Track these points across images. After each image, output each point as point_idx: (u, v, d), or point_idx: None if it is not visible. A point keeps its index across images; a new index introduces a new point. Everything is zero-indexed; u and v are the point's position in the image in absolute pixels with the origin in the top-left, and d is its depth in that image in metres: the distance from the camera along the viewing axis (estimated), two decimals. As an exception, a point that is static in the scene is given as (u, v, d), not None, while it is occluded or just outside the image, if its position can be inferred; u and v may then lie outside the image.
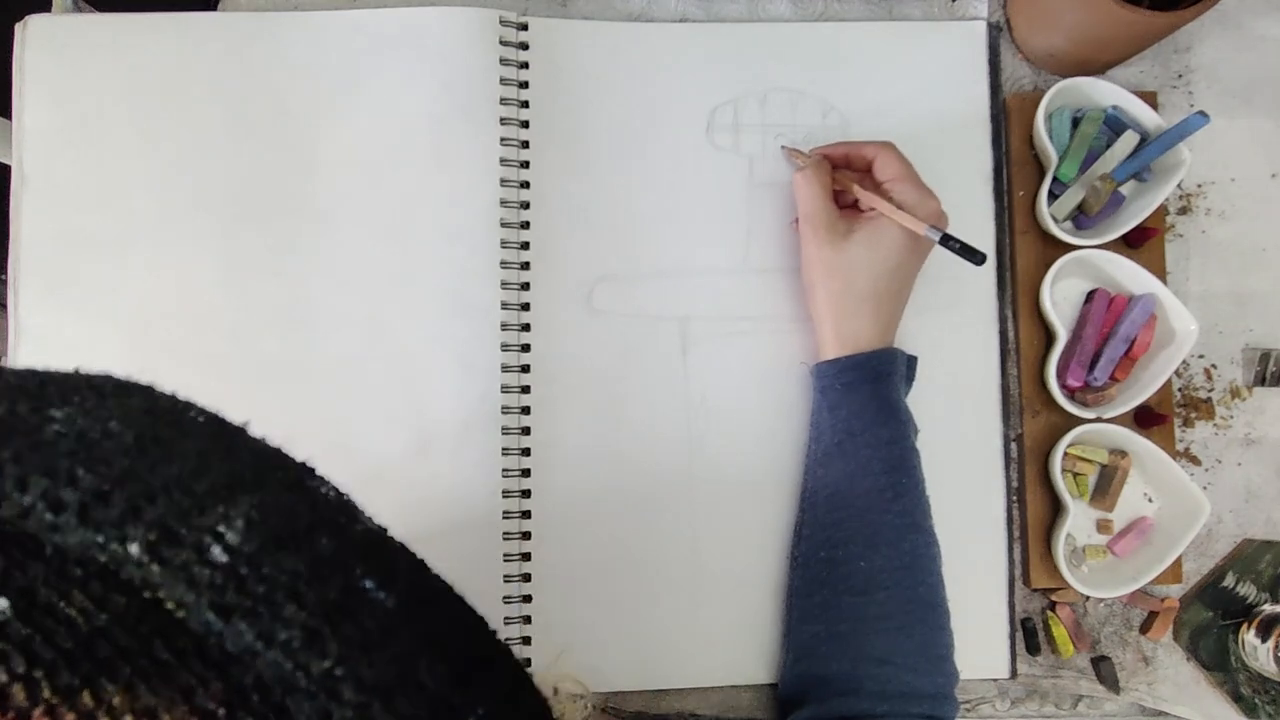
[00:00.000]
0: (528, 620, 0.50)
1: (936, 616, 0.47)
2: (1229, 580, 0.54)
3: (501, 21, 0.52)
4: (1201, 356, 0.55)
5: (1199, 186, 0.56)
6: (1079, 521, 0.53)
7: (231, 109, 0.52)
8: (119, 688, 0.14)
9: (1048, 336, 0.54)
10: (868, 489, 0.47)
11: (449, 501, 0.50)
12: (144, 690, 0.14)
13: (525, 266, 0.52)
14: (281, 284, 0.51)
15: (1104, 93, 0.53)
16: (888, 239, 0.48)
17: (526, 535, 0.50)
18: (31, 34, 0.51)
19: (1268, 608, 0.53)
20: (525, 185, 0.52)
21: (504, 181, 0.52)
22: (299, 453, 0.20)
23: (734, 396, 0.53)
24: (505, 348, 0.51)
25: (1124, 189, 0.54)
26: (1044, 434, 0.53)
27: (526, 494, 0.51)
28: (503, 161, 0.52)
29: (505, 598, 0.50)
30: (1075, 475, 0.53)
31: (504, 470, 0.50)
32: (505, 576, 0.50)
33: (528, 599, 0.50)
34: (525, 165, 0.52)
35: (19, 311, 0.50)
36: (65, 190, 0.51)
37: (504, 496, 0.50)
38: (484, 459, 0.50)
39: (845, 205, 0.51)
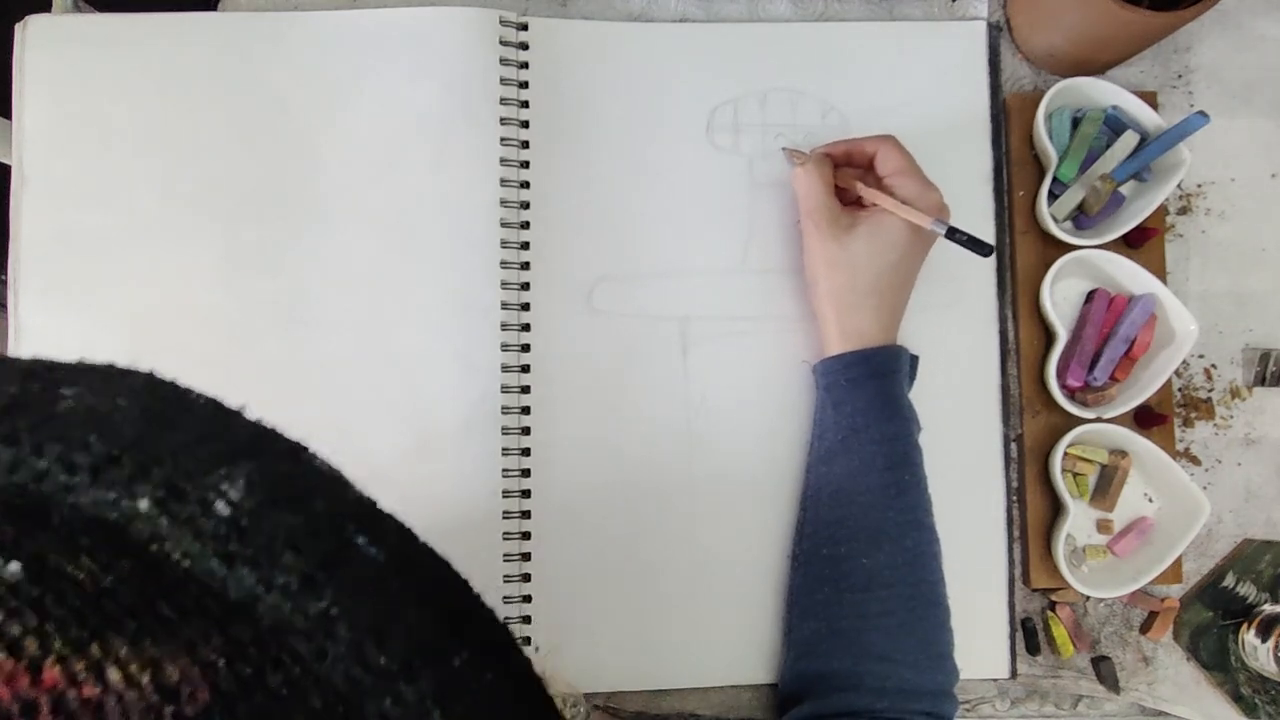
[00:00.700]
0: (527, 620, 0.50)
1: (938, 614, 0.47)
2: (1229, 580, 0.54)
3: (501, 21, 0.52)
4: (1201, 356, 0.55)
5: (1199, 186, 0.56)
6: (1079, 521, 0.53)
7: (231, 109, 0.52)
8: (125, 640, 0.14)
9: (1048, 336, 0.54)
10: (871, 486, 0.47)
11: (449, 501, 0.50)
12: (149, 643, 0.15)
13: (525, 266, 0.52)
14: (281, 283, 0.51)
15: (1104, 93, 0.53)
16: (890, 233, 0.48)
17: (526, 535, 0.51)
18: (31, 34, 0.51)
19: (1268, 608, 0.53)
20: (525, 185, 0.52)
21: (504, 181, 0.52)
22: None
23: (734, 396, 0.53)
24: (505, 348, 0.51)
25: (1124, 189, 0.54)
26: (1044, 434, 0.53)
27: (526, 494, 0.51)
28: (503, 161, 0.52)
29: (505, 597, 0.50)
30: (1075, 475, 0.53)
31: (504, 470, 0.50)
32: (505, 576, 0.50)
33: (528, 599, 0.50)
34: (525, 165, 0.52)
35: (19, 311, 0.50)
36: (65, 190, 0.51)
37: (504, 496, 0.50)
38: (484, 459, 0.50)
39: (848, 203, 0.51)
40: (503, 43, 0.52)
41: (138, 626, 0.15)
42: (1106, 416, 0.52)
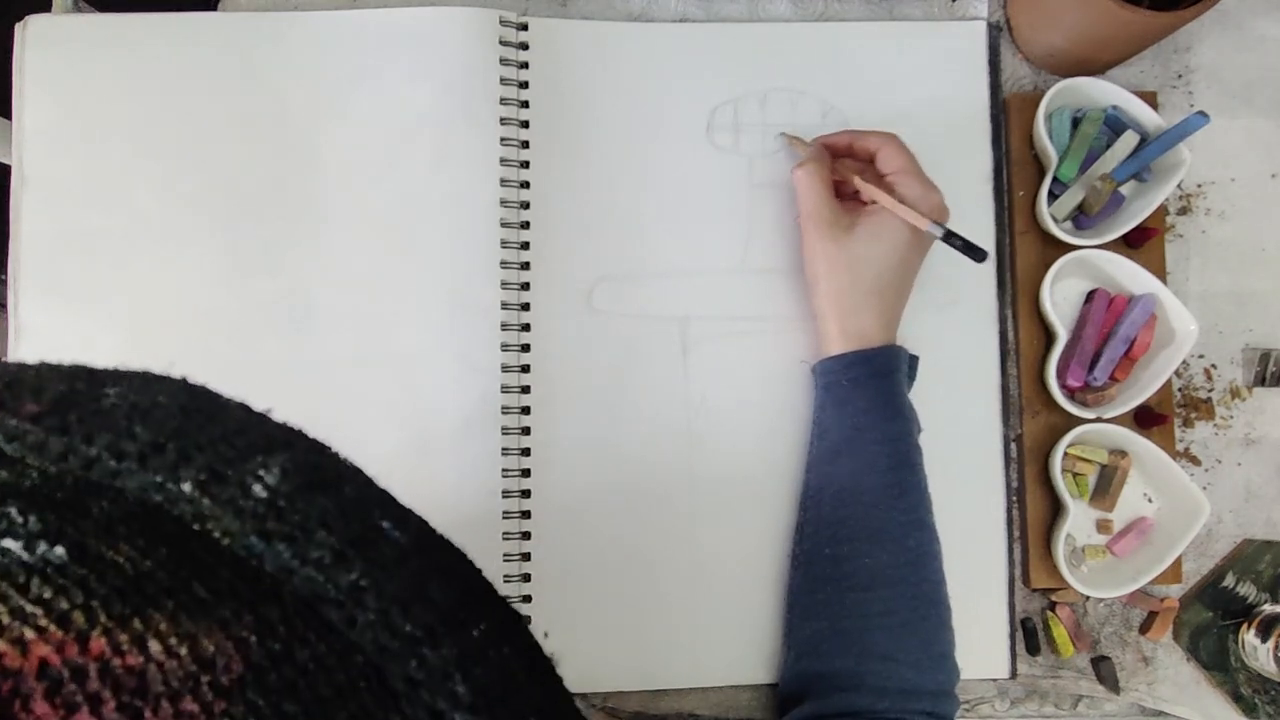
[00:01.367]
0: (527, 620, 0.50)
1: (939, 613, 0.47)
2: (1229, 580, 0.54)
3: (501, 21, 0.52)
4: (1201, 356, 0.55)
5: (1199, 186, 0.56)
6: (1079, 521, 0.53)
7: (231, 109, 0.52)
8: (165, 616, 0.16)
9: (1048, 336, 0.54)
10: (873, 485, 0.47)
11: (449, 501, 0.50)
12: (185, 619, 0.16)
13: (525, 266, 0.52)
14: (281, 283, 0.51)
15: (1104, 93, 0.53)
16: (890, 233, 0.48)
17: (526, 535, 0.50)
18: (31, 34, 0.51)
19: (1268, 608, 0.53)
20: (525, 185, 0.52)
21: (504, 181, 0.52)
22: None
23: (734, 396, 0.53)
24: (505, 348, 0.51)
25: (1124, 189, 0.54)
26: (1044, 434, 0.53)
27: (526, 494, 0.51)
28: (503, 161, 0.52)
29: (505, 597, 0.50)
30: (1075, 475, 0.53)
31: (504, 470, 0.50)
32: (505, 576, 0.50)
33: (527, 599, 0.50)
34: (525, 165, 0.52)
35: (19, 311, 0.50)
36: (65, 190, 0.51)
37: (503, 496, 0.50)
38: (484, 459, 0.50)
39: (846, 195, 0.51)
40: (503, 43, 0.52)
41: (175, 604, 0.16)
42: (1106, 416, 0.52)
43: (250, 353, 0.51)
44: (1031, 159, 0.55)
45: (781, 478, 0.52)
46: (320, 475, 0.20)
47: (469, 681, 0.18)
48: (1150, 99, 0.54)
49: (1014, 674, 0.53)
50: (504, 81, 0.52)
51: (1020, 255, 0.54)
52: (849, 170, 0.51)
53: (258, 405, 0.22)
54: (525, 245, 0.52)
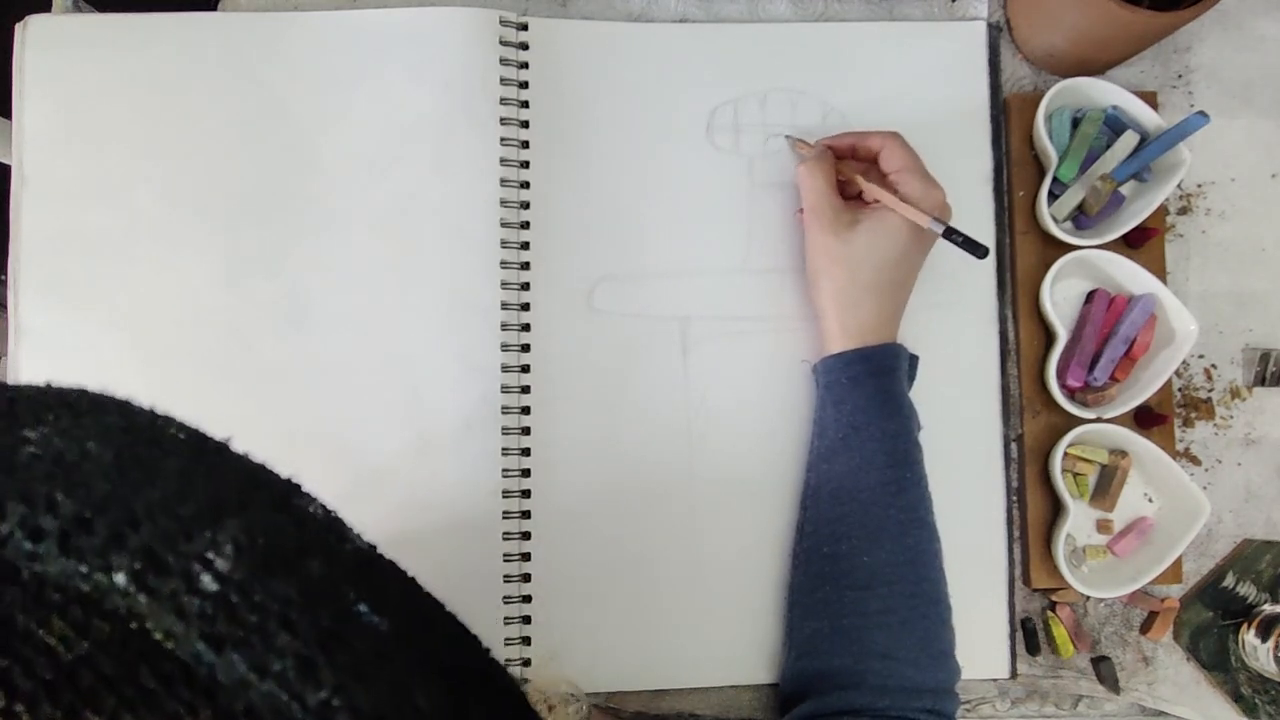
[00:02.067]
0: (527, 620, 0.50)
1: (939, 611, 0.47)
2: (1229, 580, 0.54)
3: (501, 21, 0.52)
4: (1201, 356, 0.55)
5: (1199, 186, 0.56)
6: (1079, 521, 0.53)
7: (231, 109, 0.52)
8: (103, 718, 0.13)
9: (1048, 336, 0.54)
10: (872, 484, 0.47)
11: (449, 501, 0.50)
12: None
13: (525, 266, 0.52)
14: (281, 283, 0.51)
15: (1104, 93, 0.53)
16: (892, 230, 0.48)
17: (526, 535, 0.50)
18: (31, 34, 0.51)
19: (1268, 608, 0.53)
20: (525, 185, 0.52)
21: (504, 181, 0.52)
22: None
23: (734, 396, 0.53)
24: (505, 348, 0.51)
25: (1124, 189, 0.54)
26: (1044, 434, 0.53)
27: (526, 494, 0.51)
28: (503, 161, 0.52)
29: (505, 598, 0.50)
30: (1075, 475, 0.53)
31: (504, 470, 0.50)
32: (505, 576, 0.50)
33: (527, 599, 0.50)
34: (525, 165, 0.52)
35: (19, 311, 0.50)
36: (65, 190, 0.51)
37: (504, 496, 0.50)
38: (484, 459, 0.50)
39: (850, 196, 0.51)
40: (503, 43, 0.52)
41: (117, 700, 0.13)
42: (1106, 416, 0.52)
43: (250, 352, 0.51)
44: (1031, 159, 0.55)
45: (782, 478, 0.52)
46: (281, 548, 0.16)
47: None
48: (1150, 99, 0.54)
49: (1014, 674, 0.53)
50: (504, 82, 0.52)
51: (1020, 255, 0.54)
52: (852, 170, 0.51)
53: (215, 435, 0.18)
54: (525, 245, 0.52)
